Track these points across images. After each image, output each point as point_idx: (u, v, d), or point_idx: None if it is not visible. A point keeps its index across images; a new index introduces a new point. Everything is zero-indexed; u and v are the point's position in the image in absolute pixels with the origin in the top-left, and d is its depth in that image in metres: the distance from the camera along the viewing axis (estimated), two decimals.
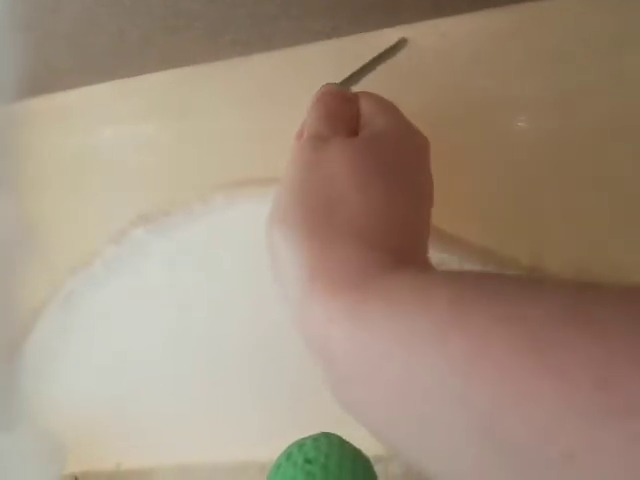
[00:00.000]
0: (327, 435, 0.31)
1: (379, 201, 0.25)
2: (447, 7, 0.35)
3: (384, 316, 0.20)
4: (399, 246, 0.24)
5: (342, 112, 0.29)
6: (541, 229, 0.36)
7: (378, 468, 0.33)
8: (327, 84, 0.31)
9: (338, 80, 0.33)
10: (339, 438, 0.31)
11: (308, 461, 0.28)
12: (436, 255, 0.36)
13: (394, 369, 0.19)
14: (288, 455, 0.29)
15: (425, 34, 0.36)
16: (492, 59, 0.36)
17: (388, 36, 0.37)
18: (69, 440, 0.36)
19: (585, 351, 0.15)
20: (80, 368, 0.42)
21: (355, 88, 0.33)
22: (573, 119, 0.35)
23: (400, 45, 0.36)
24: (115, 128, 0.41)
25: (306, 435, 0.32)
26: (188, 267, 0.40)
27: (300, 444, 0.29)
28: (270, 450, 0.34)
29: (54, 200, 0.42)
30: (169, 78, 0.41)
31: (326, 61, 0.38)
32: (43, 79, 0.41)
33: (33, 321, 0.41)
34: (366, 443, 0.30)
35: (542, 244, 0.36)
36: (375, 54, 0.35)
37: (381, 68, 0.36)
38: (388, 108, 0.30)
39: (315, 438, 0.30)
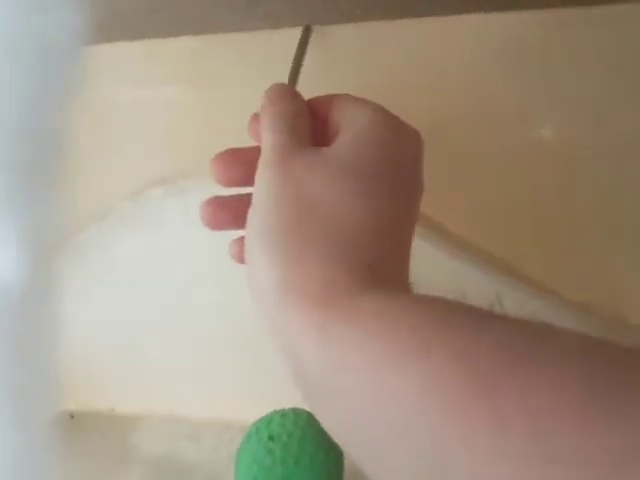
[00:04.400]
0: (296, 411, 0.32)
1: (359, 211, 0.24)
2: (472, 5, 0.34)
3: (348, 341, 0.21)
4: (376, 260, 0.23)
5: (300, 115, 0.28)
6: (553, 247, 0.36)
7: None
8: (276, 85, 0.29)
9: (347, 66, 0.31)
10: (307, 415, 0.32)
11: (271, 438, 0.29)
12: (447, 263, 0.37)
13: (353, 391, 0.20)
14: (257, 429, 0.31)
15: (447, 32, 0.35)
16: (514, 61, 0.35)
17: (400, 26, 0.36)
18: (67, 378, 0.38)
19: (523, 398, 0.16)
20: (85, 310, 0.44)
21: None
22: (602, 128, 0.35)
23: (308, 34, 0.36)
24: (142, 88, 0.41)
25: (289, 402, 0.33)
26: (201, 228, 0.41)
27: (269, 419, 0.31)
28: (254, 413, 0.35)
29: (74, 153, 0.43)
30: (199, 43, 0.40)
31: (352, 41, 0.37)
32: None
33: None
34: None
35: (551, 260, 0.36)
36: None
37: (392, 66, 0.36)
38: (370, 106, 0.27)
39: (284, 414, 0.31)
